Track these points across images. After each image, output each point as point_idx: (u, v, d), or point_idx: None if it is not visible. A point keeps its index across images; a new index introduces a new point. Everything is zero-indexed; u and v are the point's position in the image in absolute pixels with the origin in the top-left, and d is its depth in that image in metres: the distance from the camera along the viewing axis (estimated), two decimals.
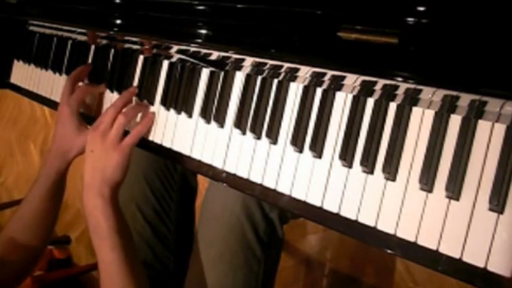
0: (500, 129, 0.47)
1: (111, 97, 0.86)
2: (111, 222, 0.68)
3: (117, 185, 0.72)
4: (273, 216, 0.74)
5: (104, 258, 0.67)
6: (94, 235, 0.68)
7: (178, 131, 0.74)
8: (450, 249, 0.48)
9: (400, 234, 0.51)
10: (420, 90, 0.50)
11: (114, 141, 0.72)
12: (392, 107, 0.54)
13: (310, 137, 0.60)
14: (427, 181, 0.50)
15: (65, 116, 0.82)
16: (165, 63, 0.77)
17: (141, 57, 0.81)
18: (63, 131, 0.82)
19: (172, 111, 0.75)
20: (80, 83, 0.87)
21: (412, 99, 0.52)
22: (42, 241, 0.83)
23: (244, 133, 0.66)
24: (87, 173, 0.72)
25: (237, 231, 0.73)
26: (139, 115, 0.79)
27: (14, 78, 1.13)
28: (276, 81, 0.64)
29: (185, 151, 0.72)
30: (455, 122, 0.50)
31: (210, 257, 0.74)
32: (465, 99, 0.48)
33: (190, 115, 0.73)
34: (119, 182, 0.72)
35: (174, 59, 0.76)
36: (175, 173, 0.93)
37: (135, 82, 0.82)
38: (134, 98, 0.81)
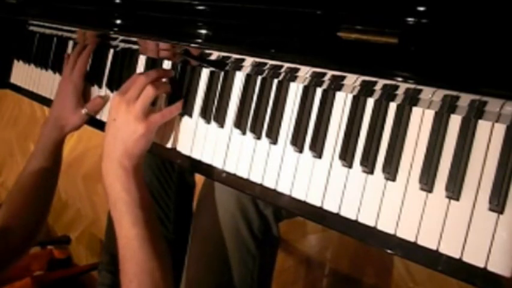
0: (500, 129, 0.47)
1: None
2: (132, 196, 0.64)
3: (138, 159, 0.67)
4: (267, 213, 0.74)
5: (125, 234, 0.63)
6: (114, 209, 0.64)
7: (178, 131, 0.74)
8: (450, 249, 0.48)
9: (400, 234, 0.51)
10: (420, 90, 0.50)
11: (139, 113, 0.67)
12: (392, 107, 0.54)
13: (310, 137, 0.60)
14: (427, 181, 0.50)
15: (67, 91, 0.85)
16: (166, 63, 0.77)
17: (141, 57, 0.81)
18: (63, 105, 0.85)
19: None
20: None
21: (412, 99, 0.52)
22: (42, 214, 0.83)
23: (244, 133, 0.66)
24: (107, 142, 0.68)
25: (231, 228, 0.73)
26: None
27: (14, 78, 1.13)
28: (276, 81, 0.64)
29: (185, 151, 0.72)
30: (455, 122, 0.50)
31: (205, 254, 0.74)
32: (465, 99, 0.48)
33: (190, 115, 0.72)
34: (140, 156, 0.68)
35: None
36: (173, 173, 0.93)
37: None
38: None
